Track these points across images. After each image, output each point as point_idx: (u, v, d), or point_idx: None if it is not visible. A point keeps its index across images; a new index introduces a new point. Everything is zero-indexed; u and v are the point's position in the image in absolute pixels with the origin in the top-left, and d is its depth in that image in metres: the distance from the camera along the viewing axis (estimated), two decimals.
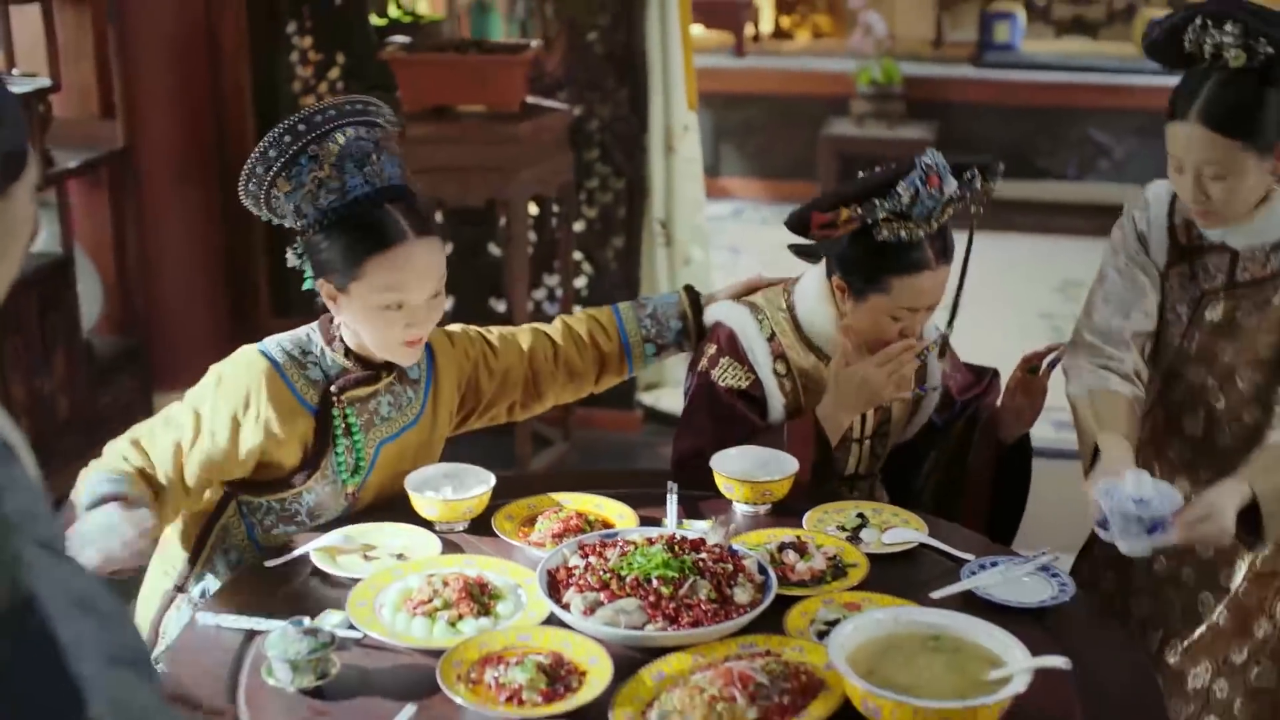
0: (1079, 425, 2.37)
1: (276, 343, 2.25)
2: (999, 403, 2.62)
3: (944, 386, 2.63)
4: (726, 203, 8.12)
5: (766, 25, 9.53)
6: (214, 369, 2.24)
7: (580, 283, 4.94)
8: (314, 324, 2.29)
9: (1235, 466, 2.25)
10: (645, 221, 4.90)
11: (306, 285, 2.26)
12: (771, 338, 2.51)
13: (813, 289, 2.51)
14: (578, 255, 4.88)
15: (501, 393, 2.49)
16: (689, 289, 2.66)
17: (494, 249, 4.88)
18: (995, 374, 2.71)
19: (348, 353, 2.25)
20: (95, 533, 1.95)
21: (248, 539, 2.30)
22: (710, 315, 2.58)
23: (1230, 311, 2.34)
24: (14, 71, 4.23)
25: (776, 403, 2.50)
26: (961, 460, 2.60)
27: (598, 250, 4.91)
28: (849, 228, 2.35)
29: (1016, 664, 1.78)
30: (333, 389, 2.23)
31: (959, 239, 2.45)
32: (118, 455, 2.18)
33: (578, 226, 4.86)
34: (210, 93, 4.73)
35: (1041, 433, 4.96)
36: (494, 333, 2.51)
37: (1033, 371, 2.54)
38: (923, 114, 8.04)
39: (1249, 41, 2.13)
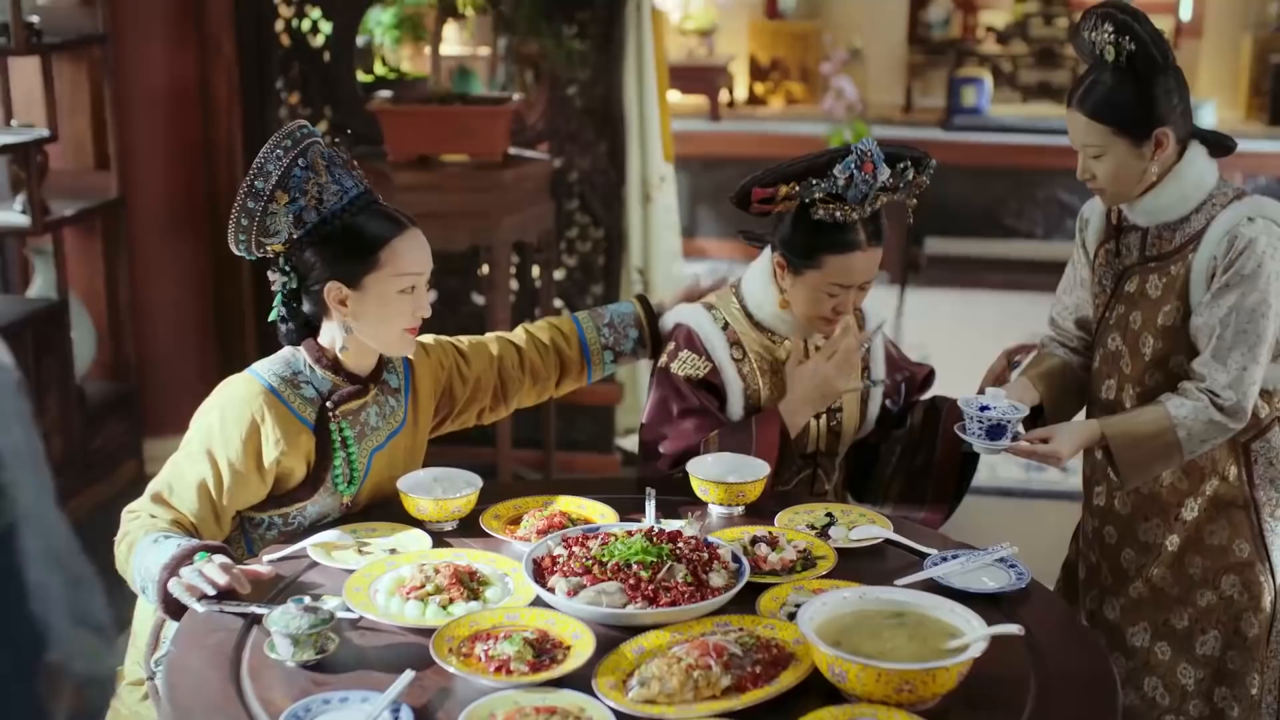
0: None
1: (265, 368, 2.36)
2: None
3: (891, 377, 2.79)
4: (703, 262, 8.30)
5: (741, 91, 9.78)
6: (211, 406, 2.32)
7: None
8: (291, 349, 2.40)
9: None
10: (624, 270, 5.05)
11: (273, 316, 2.37)
12: (725, 327, 2.68)
13: (758, 273, 2.68)
14: (558, 303, 5.03)
15: (473, 398, 2.62)
16: (642, 299, 2.82)
17: (477, 298, 5.02)
18: (931, 373, 2.89)
19: (337, 369, 2.38)
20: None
21: (247, 554, 2.39)
22: (668, 319, 2.74)
23: (1141, 284, 2.58)
24: (12, 122, 4.37)
25: (736, 389, 2.66)
26: (928, 450, 2.75)
27: (578, 298, 5.05)
28: (788, 205, 2.54)
29: (973, 634, 1.90)
30: (328, 404, 2.35)
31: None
32: (146, 516, 2.25)
33: (558, 275, 5.01)
34: (202, 146, 4.88)
35: (1011, 473, 5.15)
36: (464, 342, 2.65)
37: (1014, 366, 2.74)
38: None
39: (1119, 39, 2.41)
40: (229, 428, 2.28)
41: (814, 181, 2.49)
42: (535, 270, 4.96)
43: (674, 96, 8.18)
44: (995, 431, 2.48)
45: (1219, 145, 2.55)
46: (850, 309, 2.61)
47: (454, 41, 7.60)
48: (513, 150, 4.63)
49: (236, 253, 2.36)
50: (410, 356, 2.50)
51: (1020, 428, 2.51)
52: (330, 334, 2.37)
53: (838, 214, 2.49)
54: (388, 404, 2.45)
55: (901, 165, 2.53)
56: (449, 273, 4.95)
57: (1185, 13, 9.58)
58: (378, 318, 2.32)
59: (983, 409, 2.50)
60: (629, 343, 2.76)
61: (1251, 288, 2.43)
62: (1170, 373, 2.56)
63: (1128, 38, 2.40)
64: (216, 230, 4.93)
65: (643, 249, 5.09)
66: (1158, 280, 2.55)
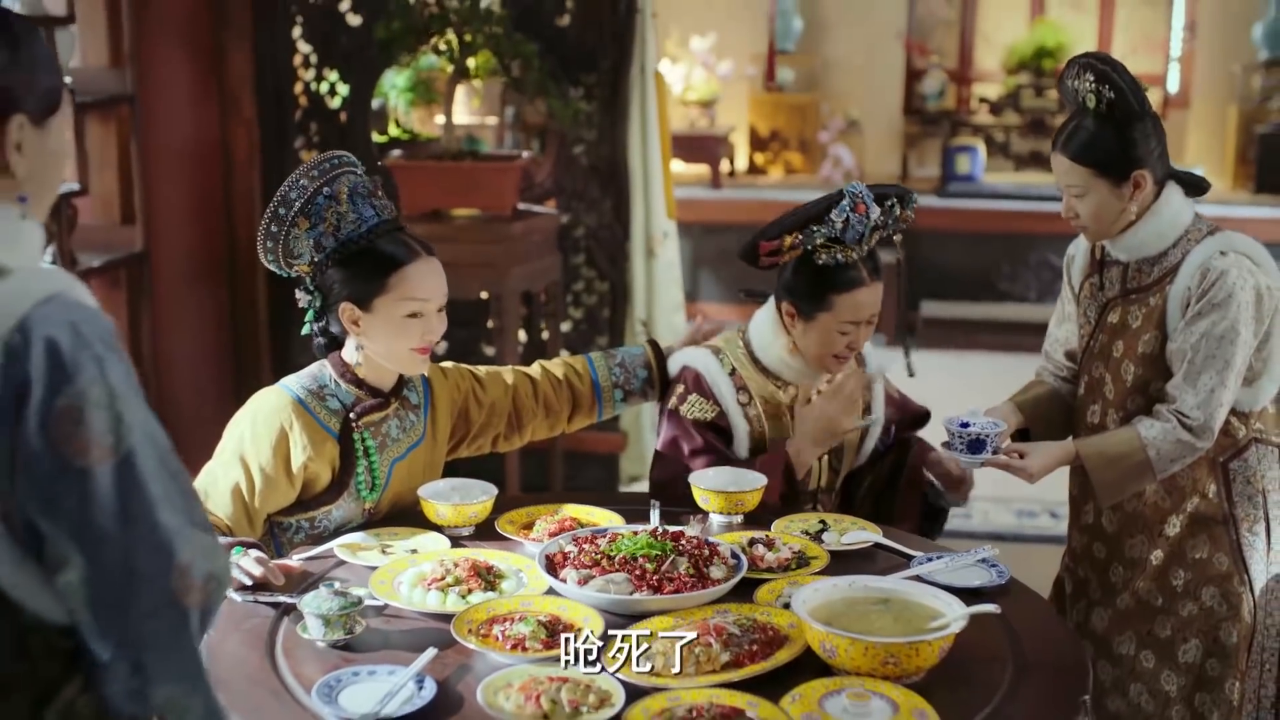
0: None
1: (294, 381, 2.54)
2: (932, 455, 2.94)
3: (885, 419, 2.96)
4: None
5: (742, 161, 10.04)
6: (243, 416, 2.50)
7: None
8: (321, 363, 2.58)
9: None
10: (628, 322, 5.23)
11: (305, 330, 2.56)
12: (733, 372, 2.83)
13: (764, 323, 2.84)
14: (565, 354, 5.20)
15: (488, 423, 2.78)
16: (652, 343, 2.99)
17: (487, 349, 5.20)
18: (925, 414, 3.06)
19: (360, 384, 2.55)
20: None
21: (276, 556, 2.54)
22: (676, 361, 2.91)
23: (1123, 315, 2.76)
24: None
25: (742, 432, 2.80)
26: (894, 480, 2.94)
27: (584, 349, 5.22)
28: (793, 254, 2.71)
29: (954, 615, 2.05)
30: (351, 415, 2.52)
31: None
32: None
33: (564, 327, 5.19)
34: (222, 201, 5.09)
35: (1003, 519, 5.28)
36: (481, 370, 2.82)
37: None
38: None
39: (1099, 87, 2.60)
40: (260, 436, 2.44)
41: (814, 229, 2.67)
42: (543, 323, 5.14)
43: (677, 166, 8.43)
44: (975, 446, 2.66)
45: (1194, 185, 2.74)
46: (862, 344, 2.77)
47: (463, 111, 7.85)
48: (521, 205, 4.83)
49: (269, 268, 2.55)
50: (426, 375, 2.67)
51: (1000, 443, 2.68)
52: (351, 351, 2.55)
53: (839, 256, 2.67)
54: (408, 418, 2.61)
55: (889, 203, 2.72)
56: (459, 324, 5.13)
57: (1173, 85, 9.86)
58: (385, 337, 2.48)
59: (963, 425, 2.67)
60: (638, 382, 2.92)
61: (1222, 316, 2.59)
62: (1150, 398, 2.72)
63: (1107, 86, 2.59)
64: (236, 282, 5.14)
65: (646, 302, 5.28)
66: (1138, 311, 2.72)
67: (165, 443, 1.48)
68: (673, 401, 2.84)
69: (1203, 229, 2.70)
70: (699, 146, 9.25)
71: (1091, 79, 2.61)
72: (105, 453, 1.41)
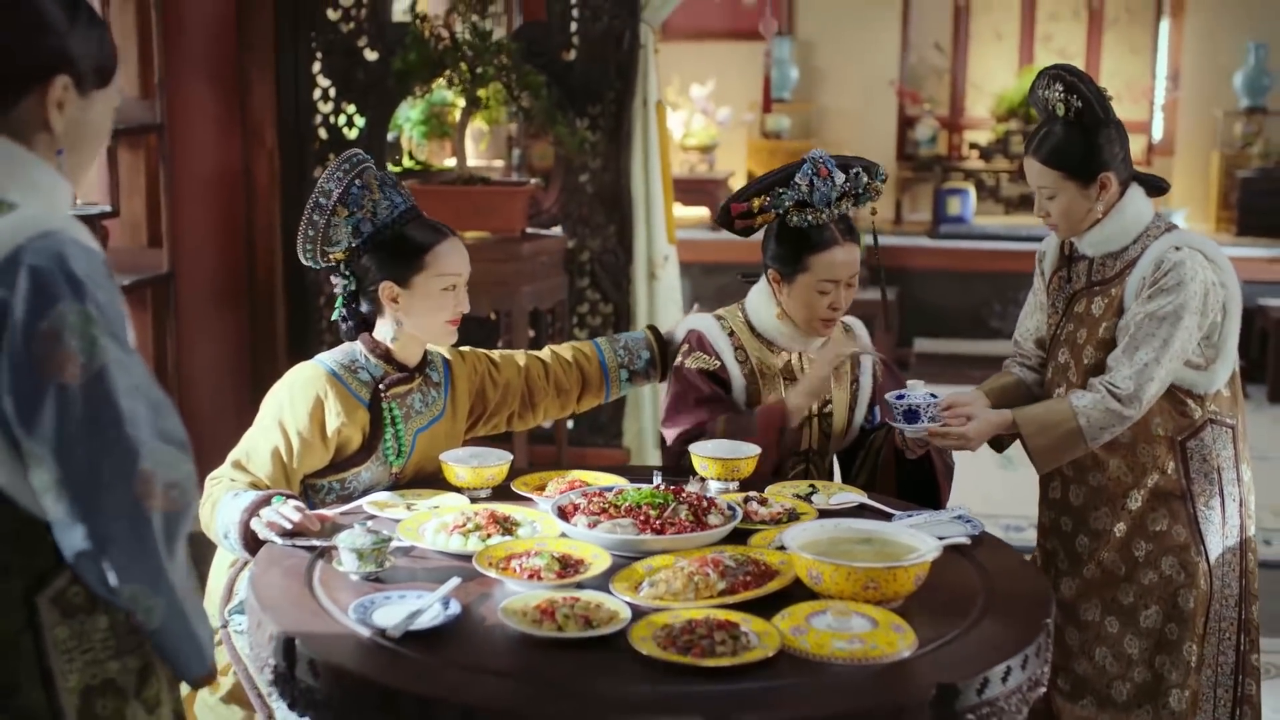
0: None
1: (328, 356, 2.78)
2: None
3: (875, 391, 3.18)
4: None
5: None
6: (282, 387, 2.73)
7: None
8: (351, 343, 2.80)
9: None
10: None
11: (335, 315, 2.80)
12: (731, 334, 3.08)
13: (758, 293, 3.10)
14: None
15: (503, 402, 3.01)
16: (652, 328, 3.23)
17: None
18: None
19: (388, 358, 2.77)
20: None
21: None
22: (683, 326, 3.15)
23: (1088, 305, 2.98)
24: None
25: (739, 386, 3.05)
26: (877, 457, 3.15)
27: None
28: (764, 218, 2.97)
29: (929, 548, 2.27)
30: (380, 386, 2.75)
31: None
32: (227, 480, 2.64)
33: None
34: (244, 227, 5.35)
35: (994, 533, 5.45)
36: (495, 354, 3.06)
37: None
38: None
39: (1068, 96, 2.85)
40: (297, 403, 2.67)
41: (781, 191, 2.92)
42: (549, 343, 5.36)
43: (678, 209, 8.68)
44: (910, 415, 2.86)
45: (1154, 186, 2.98)
46: (843, 305, 2.99)
47: (471, 154, 8.12)
48: (530, 230, 5.08)
49: (304, 262, 2.78)
50: (447, 357, 2.90)
51: (936, 412, 2.86)
52: (384, 329, 2.78)
53: (810, 218, 2.92)
54: (430, 394, 2.84)
55: (854, 171, 2.96)
56: (469, 343, 5.34)
57: (1157, 132, 10.17)
58: (424, 311, 2.73)
59: (899, 397, 2.88)
60: (641, 363, 3.15)
61: (1170, 300, 2.81)
62: None
63: (1075, 96, 2.83)
64: (256, 303, 5.38)
65: (648, 322, 5.51)
66: (1100, 302, 2.95)
67: (140, 368, 1.67)
68: (678, 361, 3.09)
69: (1161, 226, 2.93)
70: (699, 190, 9.53)
71: (1060, 89, 2.85)
72: (78, 370, 1.60)
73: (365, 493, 2.74)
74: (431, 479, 2.82)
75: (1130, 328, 2.84)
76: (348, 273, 2.78)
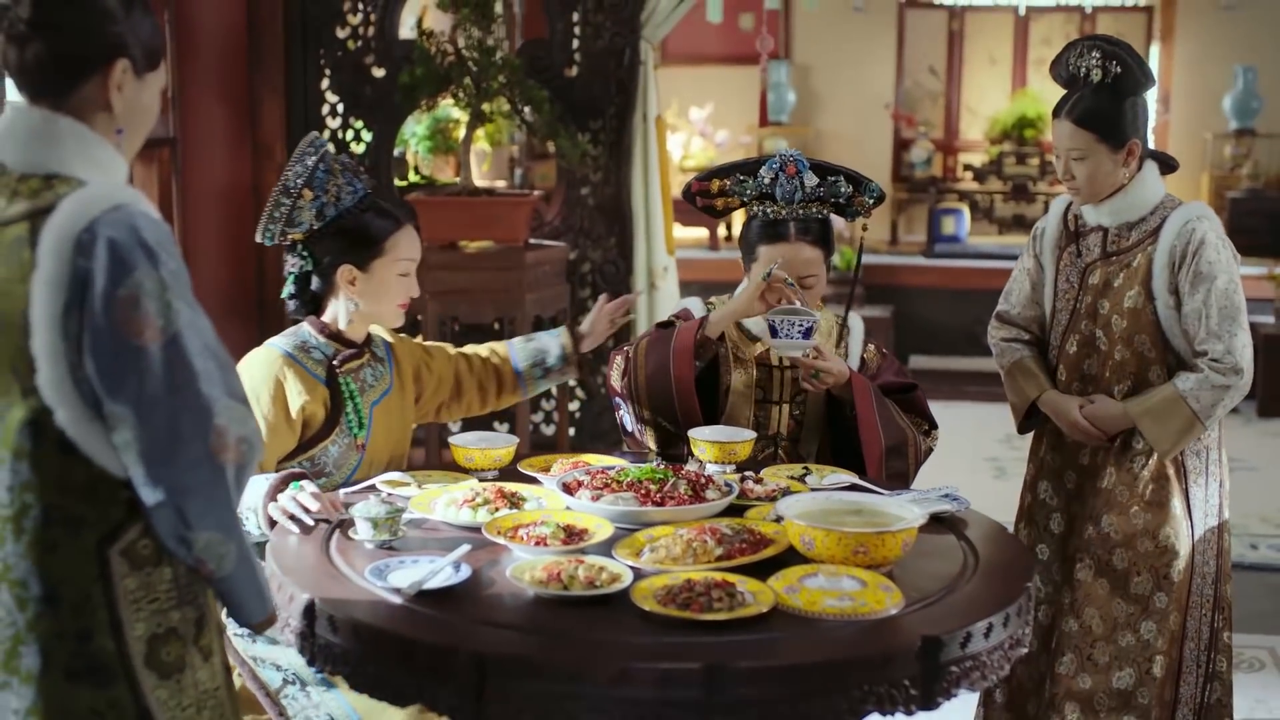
0: (1010, 389, 3.34)
1: (278, 340, 2.88)
2: None
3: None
4: None
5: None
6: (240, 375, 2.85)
7: (574, 406, 5.59)
8: (298, 326, 2.91)
9: (1109, 391, 3.10)
10: None
11: (286, 293, 2.91)
12: None
13: (740, 287, 3.21)
14: (571, 382, 5.55)
15: (437, 389, 3.11)
16: (570, 325, 3.29)
17: None
18: (913, 385, 3.36)
19: (337, 338, 2.89)
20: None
21: None
22: (678, 305, 3.30)
23: (1106, 276, 3.10)
24: None
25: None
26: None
27: (589, 377, 5.58)
28: (727, 201, 3.11)
29: (917, 516, 2.38)
30: (335, 362, 2.87)
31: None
32: None
33: None
34: (254, 240, 5.46)
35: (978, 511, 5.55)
36: (428, 344, 3.18)
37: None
38: (880, 298, 8.87)
39: (1105, 64, 2.97)
40: (259, 389, 2.77)
41: (743, 179, 3.05)
42: None
43: (677, 230, 8.82)
44: (808, 334, 2.92)
45: (1165, 164, 3.13)
46: (792, 302, 2.97)
47: (474, 174, 8.26)
48: (532, 241, 5.21)
49: (260, 241, 2.90)
50: (388, 338, 3.03)
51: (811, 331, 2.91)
52: (334, 310, 2.89)
53: (768, 211, 3.05)
54: (378, 368, 2.96)
55: (832, 178, 3.06)
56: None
57: None
58: (379, 294, 2.87)
59: (801, 315, 2.92)
60: (553, 359, 3.20)
61: (1217, 274, 2.96)
62: (1134, 348, 3.06)
63: (1114, 62, 2.96)
64: (266, 315, 5.50)
65: (649, 325, 5.64)
66: (1119, 271, 3.07)
67: (209, 329, 1.81)
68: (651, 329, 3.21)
69: (1174, 199, 3.08)
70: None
71: (1098, 56, 2.97)
72: (157, 333, 1.74)
73: (335, 465, 2.85)
74: (398, 460, 2.97)
75: (1201, 309, 2.96)
76: (305, 253, 2.89)
